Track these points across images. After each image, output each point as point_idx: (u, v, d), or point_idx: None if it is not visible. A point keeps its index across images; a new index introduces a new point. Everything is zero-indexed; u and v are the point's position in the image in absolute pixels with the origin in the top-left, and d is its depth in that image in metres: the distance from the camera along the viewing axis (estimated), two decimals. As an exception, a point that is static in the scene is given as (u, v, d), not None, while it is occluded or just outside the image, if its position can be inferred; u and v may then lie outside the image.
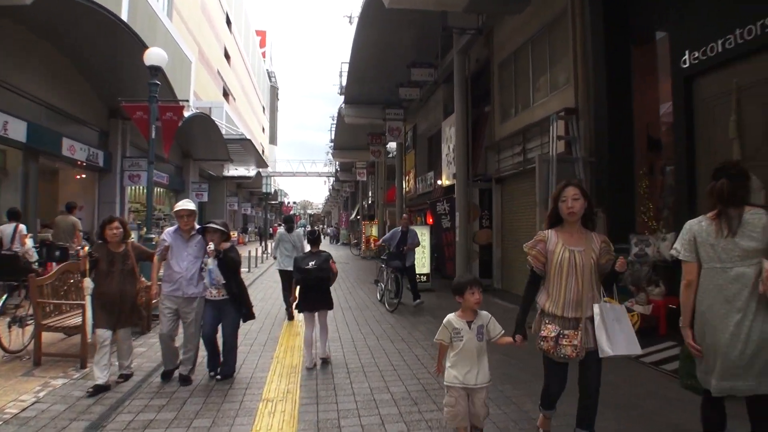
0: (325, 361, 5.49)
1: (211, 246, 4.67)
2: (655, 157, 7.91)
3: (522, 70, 10.97)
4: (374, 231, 24.87)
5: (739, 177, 2.72)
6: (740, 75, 5.75)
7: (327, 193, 71.16)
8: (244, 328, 7.17)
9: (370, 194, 33.16)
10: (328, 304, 5.59)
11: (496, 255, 12.15)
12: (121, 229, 4.84)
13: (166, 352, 4.86)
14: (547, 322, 3.05)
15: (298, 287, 5.66)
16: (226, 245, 4.86)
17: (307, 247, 6.48)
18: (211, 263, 4.70)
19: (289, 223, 8.75)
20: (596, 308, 2.95)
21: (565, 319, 2.99)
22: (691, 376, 4.03)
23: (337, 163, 39.83)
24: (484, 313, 3.23)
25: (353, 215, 44.17)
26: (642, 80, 7.87)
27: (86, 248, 5.09)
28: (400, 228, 10.04)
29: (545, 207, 7.82)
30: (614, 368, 4.90)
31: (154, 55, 8.43)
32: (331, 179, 55.74)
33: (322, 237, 8.20)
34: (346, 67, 18.14)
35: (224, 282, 4.76)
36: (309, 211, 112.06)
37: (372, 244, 24.25)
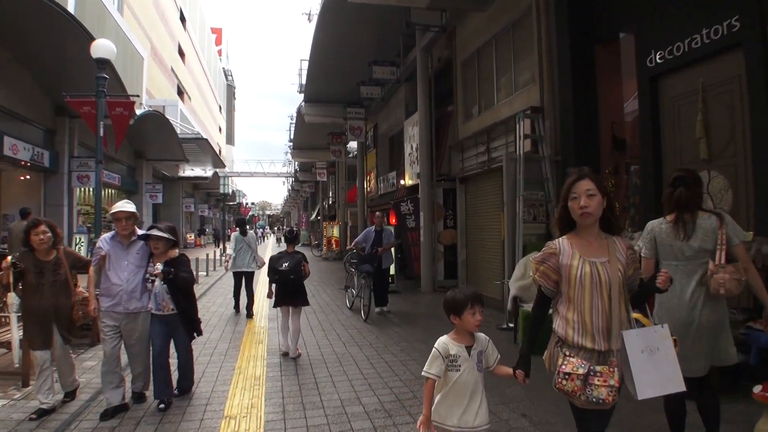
0: (293, 358, 5.79)
1: (159, 267, 3.97)
2: (620, 156, 7.96)
3: (486, 69, 10.91)
4: (336, 232, 24.54)
5: (695, 186, 3.10)
6: (706, 75, 5.78)
7: (286, 194, 70.16)
8: (203, 337, 6.79)
9: (330, 194, 32.79)
10: (303, 301, 5.99)
11: (460, 256, 12.06)
12: (50, 234, 4.09)
13: (108, 380, 4.07)
14: (568, 354, 2.29)
15: (274, 285, 6.04)
16: (174, 254, 4.21)
17: (256, 248, 9.00)
18: (158, 285, 4.05)
19: (242, 225, 9.11)
20: (624, 336, 2.28)
21: (595, 352, 2.27)
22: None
23: (297, 163, 39.23)
24: (482, 335, 2.58)
25: (313, 216, 43.65)
26: (607, 79, 7.89)
27: (8, 258, 4.15)
28: (373, 228, 9.32)
29: (513, 206, 7.76)
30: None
31: (101, 47, 7.89)
32: (291, 180, 54.97)
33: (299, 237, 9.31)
34: (306, 65, 17.78)
35: (173, 307, 4.18)
36: (268, 212, 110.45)
37: (333, 245, 23.92)
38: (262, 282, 14.03)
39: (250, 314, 8.51)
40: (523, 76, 9.33)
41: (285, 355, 5.87)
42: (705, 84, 5.79)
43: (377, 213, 10.75)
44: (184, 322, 4.30)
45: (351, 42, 14.05)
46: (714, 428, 3.05)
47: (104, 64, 7.90)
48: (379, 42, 14.08)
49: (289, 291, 5.88)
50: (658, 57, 6.34)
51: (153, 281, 4.06)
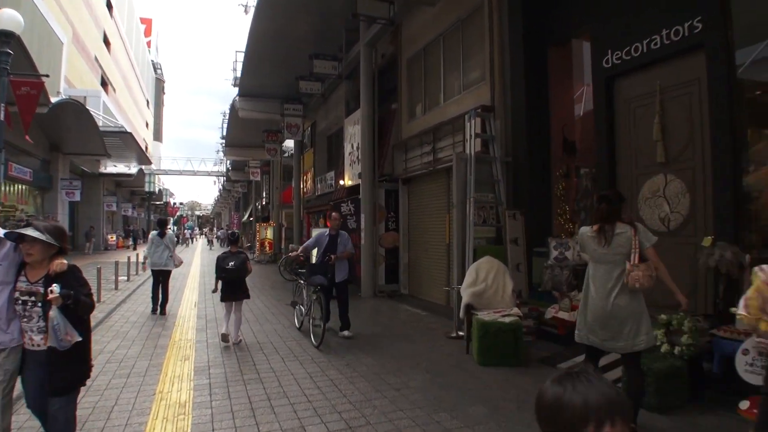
0: (236, 344, 6.52)
1: (55, 290, 2.66)
2: (571, 159, 7.80)
3: (433, 67, 10.57)
4: (269, 234, 23.54)
5: (615, 203, 3.78)
6: (665, 76, 5.65)
7: (217, 194, 67.34)
8: (118, 354, 5.91)
9: (264, 195, 31.58)
10: (245, 295, 6.87)
11: (402, 259, 11.66)
12: None
13: None
14: None
15: (219, 281, 6.81)
16: (60, 266, 2.81)
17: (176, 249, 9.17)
18: (56, 315, 2.68)
19: (162, 226, 9.29)
20: None
21: None
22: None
23: (229, 161, 37.60)
24: None
25: (246, 217, 42.09)
26: (558, 82, 7.73)
27: None
28: (327, 231, 7.57)
29: (463, 208, 7.40)
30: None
31: (5, 18, 6.78)
32: (222, 179, 52.77)
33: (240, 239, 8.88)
34: (242, 57, 16.75)
35: (80, 339, 2.81)
36: (197, 213, 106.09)
37: (267, 247, 22.91)
38: (189, 287, 12.99)
39: (163, 311, 8.80)
40: (473, 75, 9.04)
41: (225, 338, 6.57)
42: (663, 86, 5.66)
43: (334, 213, 8.50)
44: (72, 361, 2.86)
45: (291, 33, 13.32)
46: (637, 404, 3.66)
47: (8, 37, 6.81)
48: (320, 35, 13.43)
49: (235, 287, 6.71)
50: (614, 57, 6.17)
51: (37, 304, 2.83)
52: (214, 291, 6.97)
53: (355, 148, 12.82)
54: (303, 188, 20.44)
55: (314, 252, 7.88)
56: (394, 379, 4.99)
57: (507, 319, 5.53)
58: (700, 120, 5.28)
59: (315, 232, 9.22)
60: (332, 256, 7.10)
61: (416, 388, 4.69)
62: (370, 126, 11.50)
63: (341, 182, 14.63)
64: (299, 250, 7.88)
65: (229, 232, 11.28)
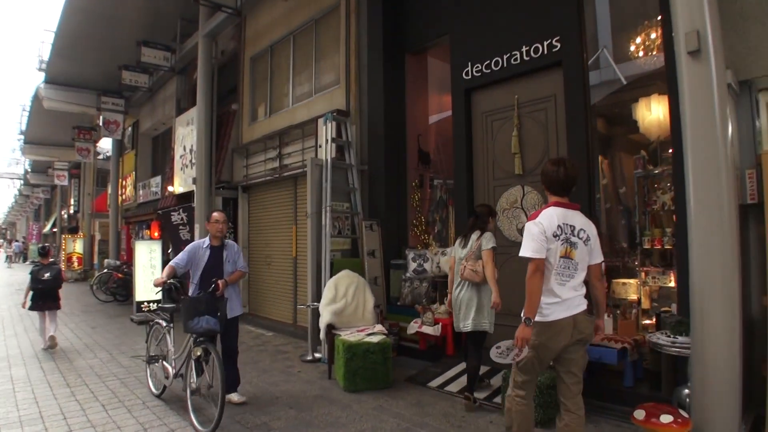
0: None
1: None
2: (425, 169, 7.73)
3: (281, 67, 9.86)
4: (78, 247, 20.20)
5: (483, 216, 4.61)
6: (523, 91, 5.76)
7: (12, 200, 56.47)
8: None
9: (73, 202, 27.12)
10: (57, 305, 7.24)
11: (242, 274, 10.60)
12: None
13: None
14: None
15: (31, 293, 7.08)
16: None
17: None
18: None
19: None
20: None
21: None
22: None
23: (29, 161, 31.73)
24: None
25: (48, 227, 36.11)
26: (415, 90, 7.62)
27: None
28: (206, 241, 4.84)
29: (319, 218, 6.81)
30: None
31: None
32: (19, 182, 44.41)
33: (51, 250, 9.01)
34: (51, 37, 13.89)
35: None
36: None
37: (75, 263, 19.64)
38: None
39: None
40: (327, 78, 8.55)
41: (52, 340, 7.01)
42: (521, 101, 5.77)
43: (215, 214, 4.89)
44: None
45: (116, 13, 11.38)
46: (472, 379, 4.51)
47: None
48: (152, 20, 11.74)
49: (49, 297, 7.14)
50: (474, 70, 6.17)
51: None
52: (24, 305, 7.15)
53: (187, 150, 11.44)
54: (121, 195, 17.90)
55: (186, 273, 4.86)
56: (254, 420, 4.15)
57: (375, 339, 5.05)
58: (556, 135, 5.46)
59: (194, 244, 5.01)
60: (219, 282, 4.48)
61: (282, 430, 3.93)
62: (207, 127, 10.31)
63: (170, 188, 12.98)
64: (163, 274, 4.68)
65: (40, 245, 9.93)
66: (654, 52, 5.72)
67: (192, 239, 10.28)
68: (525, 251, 2.87)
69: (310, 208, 6.87)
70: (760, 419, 3.46)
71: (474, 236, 4.50)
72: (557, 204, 2.98)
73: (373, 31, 7.41)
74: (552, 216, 2.91)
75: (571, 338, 2.87)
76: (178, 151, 12.41)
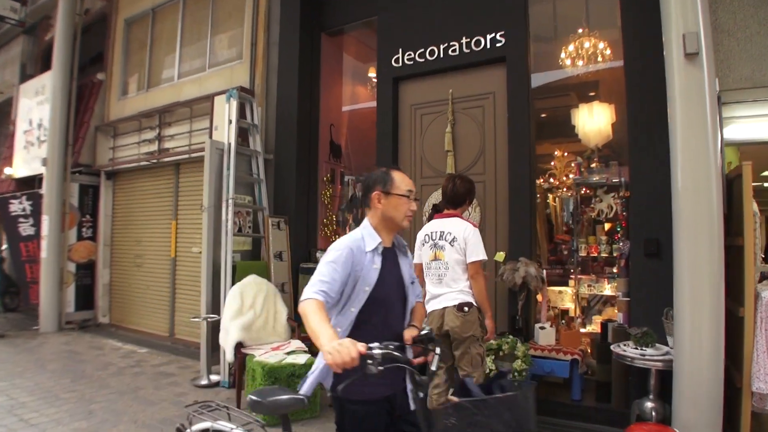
0: None
1: None
2: (336, 163, 7.03)
3: (165, 34, 8.44)
4: None
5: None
6: (458, 86, 5.35)
7: None
8: None
9: None
10: None
11: (102, 278, 8.94)
12: None
13: None
14: None
15: None
16: None
17: None
18: None
19: None
20: None
21: None
22: None
23: None
24: None
25: None
26: (329, 76, 6.87)
27: None
28: (365, 238, 2.15)
29: (218, 213, 5.78)
30: None
31: None
32: None
33: None
34: None
35: None
36: None
37: None
38: None
39: None
40: (226, 52, 7.43)
41: None
42: (456, 96, 5.35)
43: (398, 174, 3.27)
44: None
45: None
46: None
47: None
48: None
49: None
50: (406, 58, 5.65)
51: None
52: None
53: (35, 125, 9.42)
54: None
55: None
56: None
57: (300, 359, 4.23)
58: (494, 134, 5.12)
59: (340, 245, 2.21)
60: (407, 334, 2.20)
61: None
62: (65, 98, 8.51)
63: (8, 171, 10.64)
64: (333, 331, 1.80)
65: None
66: (600, 59, 5.64)
67: (37, 235, 8.44)
68: None
69: (207, 201, 5.79)
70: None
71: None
72: (439, 217, 3.57)
73: (288, 2, 6.53)
74: (426, 227, 3.60)
75: (440, 330, 3.30)
76: (21, 126, 10.20)
